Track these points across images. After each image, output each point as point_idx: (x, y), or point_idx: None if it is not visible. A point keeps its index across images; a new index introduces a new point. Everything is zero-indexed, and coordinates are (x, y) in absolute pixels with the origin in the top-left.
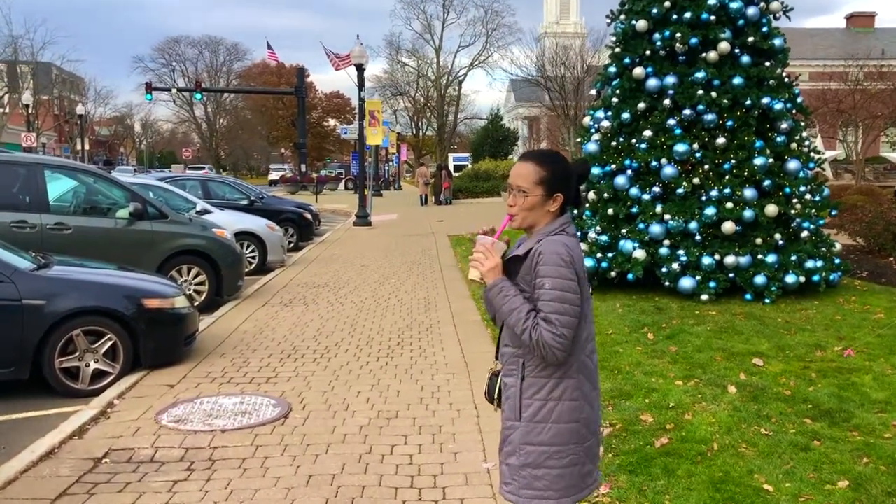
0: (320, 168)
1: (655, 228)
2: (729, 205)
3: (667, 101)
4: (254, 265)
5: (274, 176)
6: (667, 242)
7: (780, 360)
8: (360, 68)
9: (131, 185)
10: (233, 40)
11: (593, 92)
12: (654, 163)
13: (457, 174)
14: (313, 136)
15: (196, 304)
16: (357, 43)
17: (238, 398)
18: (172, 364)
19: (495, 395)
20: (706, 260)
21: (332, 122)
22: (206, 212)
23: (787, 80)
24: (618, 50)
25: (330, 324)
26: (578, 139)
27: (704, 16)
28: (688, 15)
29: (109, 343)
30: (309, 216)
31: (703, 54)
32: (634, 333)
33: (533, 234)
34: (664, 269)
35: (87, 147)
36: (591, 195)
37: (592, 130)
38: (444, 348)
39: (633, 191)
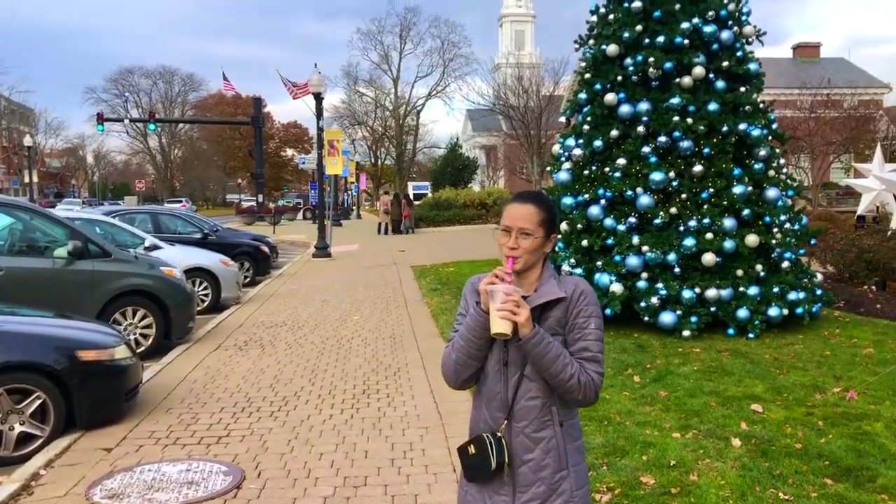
0: (278, 198)
1: (633, 261)
2: (709, 235)
3: (640, 129)
4: (206, 303)
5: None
6: (645, 275)
7: (779, 404)
8: (318, 97)
9: (73, 221)
10: (188, 70)
11: (562, 119)
12: (629, 192)
13: (417, 202)
14: (271, 166)
15: (142, 349)
16: (314, 71)
17: (184, 465)
18: (111, 423)
19: (506, 461)
20: (686, 293)
21: (289, 151)
22: (156, 247)
23: (761, 105)
24: (588, 76)
25: (288, 369)
26: (548, 167)
27: (678, 40)
28: (661, 39)
29: (38, 402)
30: (266, 249)
31: (678, 79)
32: (619, 376)
33: (530, 278)
34: (643, 304)
35: (35, 179)
36: (564, 226)
37: (563, 159)
38: (414, 396)
39: (608, 221)
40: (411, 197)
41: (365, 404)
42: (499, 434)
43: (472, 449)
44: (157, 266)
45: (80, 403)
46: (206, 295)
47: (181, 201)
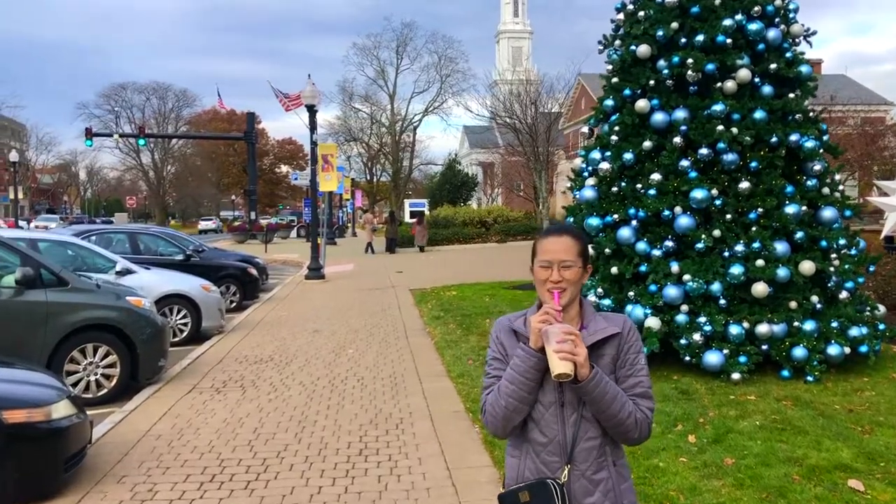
0: (272, 215)
1: (671, 291)
2: (759, 262)
3: (677, 139)
4: (186, 333)
5: (203, 225)
6: (685, 308)
7: (880, 478)
8: (312, 109)
9: (36, 243)
10: (182, 86)
11: (584, 129)
12: (665, 212)
13: (413, 220)
14: (265, 183)
15: (103, 392)
16: (308, 83)
17: None
18: (46, 499)
19: None
20: (734, 329)
21: (284, 168)
22: (128, 272)
23: (812, 114)
24: (615, 80)
25: (271, 420)
26: (568, 184)
27: (721, 38)
28: (700, 38)
29: None
30: (254, 271)
31: (719, 84)
32: (668, 433)
33: (571, 312)
34: (683, 341)
35: (21, 196)
36: (589, 250)
37: (586, 174)
38: (421, 460)
39: (641, 245)
40: (425, 214)
41: (362, 471)
42: (561, 480)
43: (524, 496)
44: (122, 296)
45: (4, 477)
46: (185, 324)
47: (212, 219)
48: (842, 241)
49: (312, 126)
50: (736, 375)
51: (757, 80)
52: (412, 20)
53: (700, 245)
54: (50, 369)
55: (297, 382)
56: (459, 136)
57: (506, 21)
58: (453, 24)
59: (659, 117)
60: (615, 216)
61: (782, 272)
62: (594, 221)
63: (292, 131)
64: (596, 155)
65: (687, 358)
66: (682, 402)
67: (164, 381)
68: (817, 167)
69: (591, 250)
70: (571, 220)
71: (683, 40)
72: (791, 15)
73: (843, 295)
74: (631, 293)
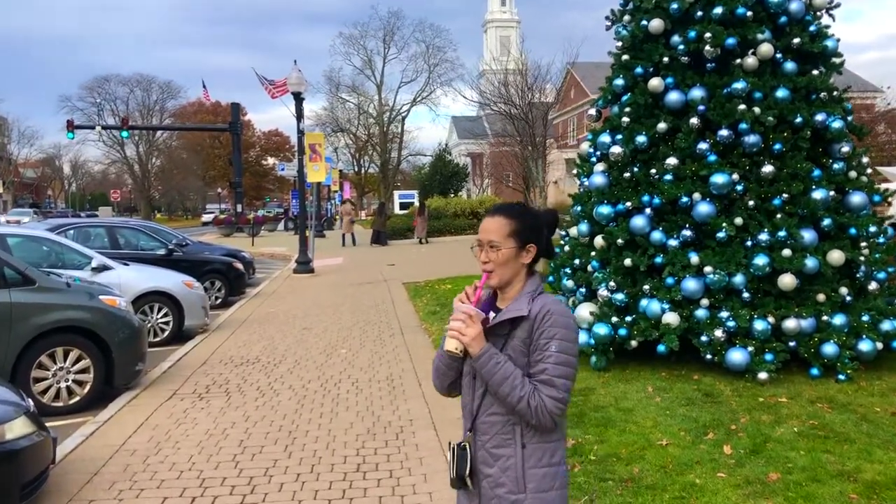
0: (258, 208)
1: (690, 284)
2: (786, 252)
3: (694, 120)
4: (167, 332)
5: (208, 217)
6: (705, 302)
7: None
8: (299, 97)
9: (3, 237)
10: (166, 78)
11: (592, 111)
12: (683, 198)
13: (403, 212)
14: (252, 175)
15: (75, 400)
16: (294, 69)
17: None
18: None
19: (467, 473)
20: (759, 324)
21: (270, 160)
22: (105, 268)
23: (836, 92)
24: (626, 57)
25: (259, 430)
26: (574, 171)
27: (741, 11)
28: (718, 10)
29: None
30: (240, 266)
31: (738, 60)
32: (700, 443)
33: (510, 293)
34: (704, 338)
35: (0, 190)
36: (600, 241)
37: (594, 159)
38: (426, 476)
39: (656, 235)
40: (426, 205)
41: (360, 491)
42: (463, 444)
43: (448, 457)
44: (95, 295)
45: None
46: (166, 323)
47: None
48: (872, 229)
49: (299, 114)
50: (763, 375)
51: (779, 55)
52: (399, 8)
53: (721, 234)
54: (15, 376)
55: (287, 387)
56: (448, 126)
57: (493, 10)
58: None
59: (674, 97)
60: (628, 204)
61: (811, 262)
62: (605, 210)
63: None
64: (605, 138)
65: (708, 356)
66: (709, 407)
67: (143, 387)
68: (845, 149)
69: (601, 240)
70: (579, 208)
71: (700, 13)
72: None
73: (873, 286)
74: (646, 287)
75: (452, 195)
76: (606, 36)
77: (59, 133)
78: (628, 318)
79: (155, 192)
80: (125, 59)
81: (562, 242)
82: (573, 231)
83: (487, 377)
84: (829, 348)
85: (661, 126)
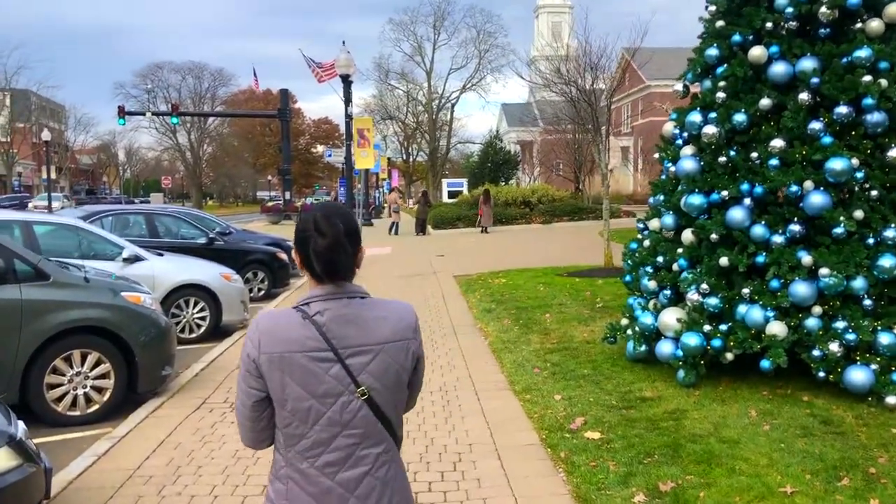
0: (307, 196)
1: (800, 288)
2: None
3: (804, 95)
4: (203, 329)
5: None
6: (818, 310)
7: None
8: (347, 80)
9: (29, 225)
10: (217, 66)
11: (679, 87)
12: (791, 187)
13: (452, 200)
14: (301, 163)
15: (94, 408)
16: (342, 50)
17: None
18: None
19: None
20: (885, 338)
21: (320, 148)
22: (137, 259)
23: None
24: (720, 24)
25: None
26: (657, 154)
27: None
28: None
29: None
30: (284, 256)
31: (860, 24)
32: (834, 492)
33: None
34: (816, 353)
35: (53, 175)
36: (689, 236)
37: (680, 141)
38: None
39: (758, 230)
40: (491, 193)
41: None
42: None
43: None
44: (118, 292)
45: None
46: (202, 319)
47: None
48: None
49: (347, 98)
50: (891, 399)
51: None
52: None
53: (838, 230)
54: (27, 382)
55: None
56: (497, 114)
57: None
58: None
59: (779, 68)
60: (724, 193)
61: None
62: (696, 200)
63: (328, 111)
64: (696, 117)
65: (821, 374)
66: (832, 440)
67: (170, 393)
68: None
69: (690, 235)
70: (662, 198)
71: None
72: None
73: None
74: (745, 290)
75: (503, 183)
76: (663, 22)
77: (114, 120)
78: (723, 327)
79: (206, 179)
80: (180, 49)
81: (640, 236)
82: (654, 223)
83: None
84: None
85: (765, 102)
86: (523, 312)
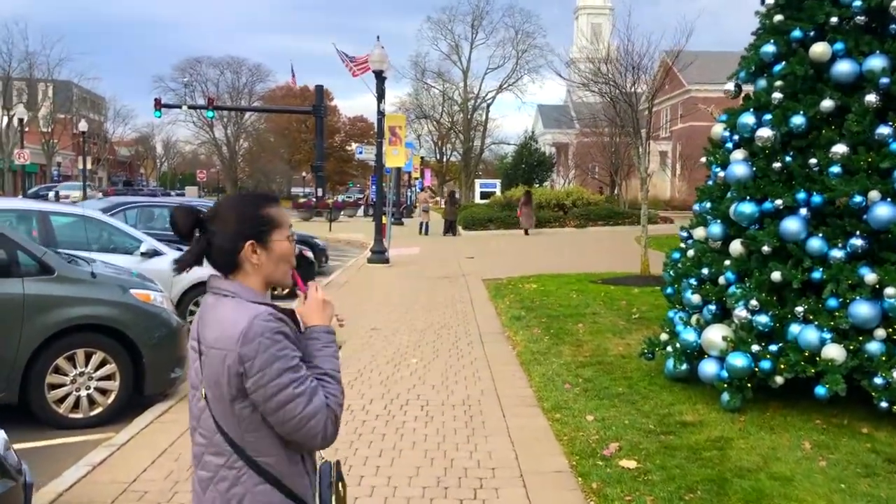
0: (341, 193)
1: (861, 309)
2: None
3: (871, 98)
4: None
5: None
6: (881, 333)
7: None
8: (380, 75)
9: (45, 215)
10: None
11: (730, 86)
12: (855, 197)
13: (484, 201)
14: (335, 161)
15: (97, 411)
16: (376, 45)
17: None
18: None
19: None
20: None
21: (354, 146)
22: (156, 253)
23: None
24: (779, 18)
25: None
26: (704, 159)
27: None
28: None
29: None
30: (309, 254)
31: None
32: None
33: None
34: (879, 380)
35: (89, 166)
36: (738, 247)
37: (730, 144)
38: None
39: (815, 243)
40: (532, 195)
41: None
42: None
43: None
44: (127, 289)
45: None
46: None
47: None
48: None
49: (380, 94)
50: None
51: None
52: None
53: None
54: (27, 382)
55: (344, 407)
56: (533, 114)
57: None
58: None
59: (844, 67)
60: (778, 202)
61: None
62: (747, 208)
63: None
64: (748, 119)
65: (883, 404)
66: None
67: (179, 397)
68: None
69: (738, 247)
70: (708, 205)
71: None
72: None
73: None
74: (799, 309)
75: (537, 185)
76: (704, 25)
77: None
78: (773, 348)
79: (242, 174)
80: (219, 44)
81: (682, 246)
82: (699, 232)
83: None
84: None
85: (826, 104)
86: (554, 321)
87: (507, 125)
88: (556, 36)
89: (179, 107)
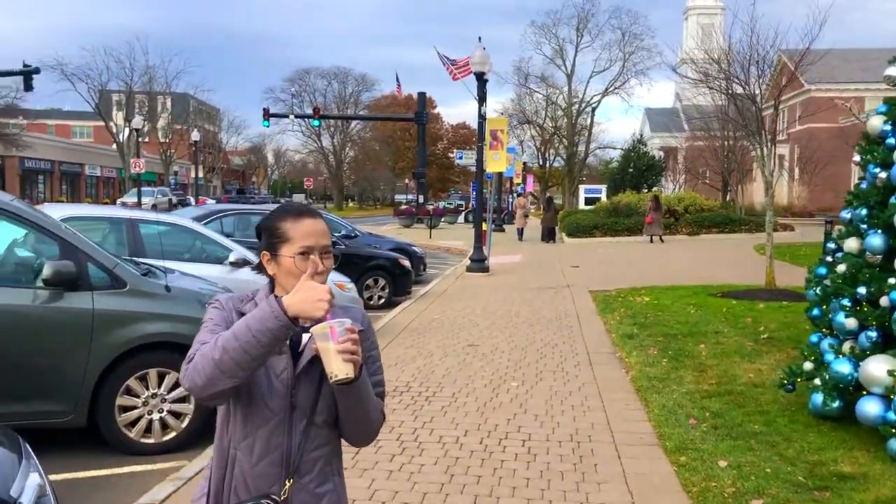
0: (442, 199)
1: None
2: None
3: None
4: None
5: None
6: None
7: None
8: (482, 78)
9: (137, 226)
10: (361, 71)
11: (891, 71)
12: None
13: (589, 207)
14: (438, 168)
15: (170, 436)
16: (478, 47)
17: None
18: None
19: None
20: None
21: (456, 152)
22: (245, 263)
23: None
24: None
25: None
26: (857, 157)
27: None
28: None
29: None
30: (406, 262)
31: None
32: None
33: None
34: None
35: (200, 174)
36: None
37: (892, 140)
38: None
39: None
40: (660, 200)
41: None
42: (281, 497)
43: None
44: (203, 303)
45: None
46: None
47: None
48: None
49: (481, 97)
50: None
51: None
52: None
53: None
54: (97, 403)
55: (436, 439)
56: (640, 118)
57: None
58: (637, 4)
59: None
60: None
61: None
62: None
63: (467, 117)
64: None
65: None
66: None
67: None
68: None
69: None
70: (864, 212)
71: None
72: None
73: None
74: None
75: (645, 190)
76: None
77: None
78: None
79: (348, 182)
80: (327, 56)
81: (829, 259)
82: (852, 244)
83: (366, 395)
84: None
85: None
86: (672, 341)
87: (612, 129)
88: (664, 39)
89: (286, 116)
